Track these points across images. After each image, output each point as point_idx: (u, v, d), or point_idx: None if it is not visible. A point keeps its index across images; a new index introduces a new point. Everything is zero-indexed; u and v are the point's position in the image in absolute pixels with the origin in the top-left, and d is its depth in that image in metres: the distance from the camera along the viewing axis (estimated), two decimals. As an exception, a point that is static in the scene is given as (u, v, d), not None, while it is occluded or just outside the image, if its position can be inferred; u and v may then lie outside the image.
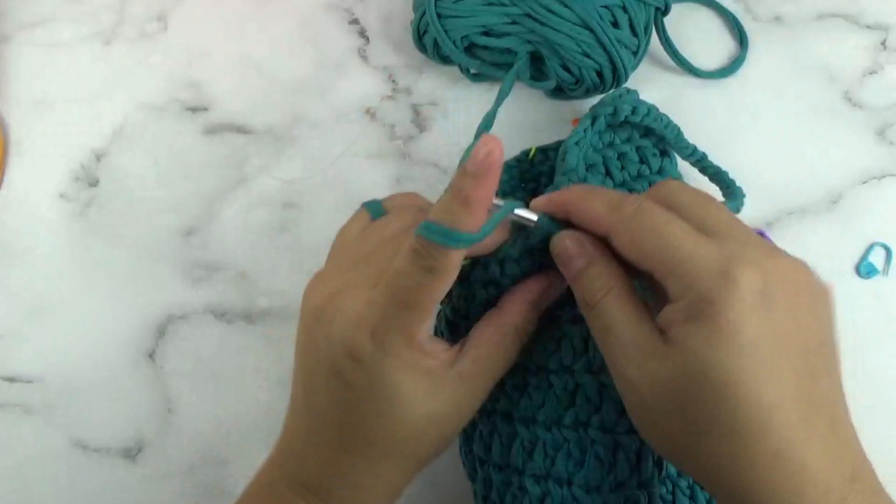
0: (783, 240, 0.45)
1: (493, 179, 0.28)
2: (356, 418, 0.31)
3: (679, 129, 0.41)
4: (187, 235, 0.48)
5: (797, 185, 0.47)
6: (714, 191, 0.43)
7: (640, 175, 0.39)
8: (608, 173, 0.39)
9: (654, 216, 0.28)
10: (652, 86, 0.49)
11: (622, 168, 0.39)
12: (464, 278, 0.34)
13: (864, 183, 0.47)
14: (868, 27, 0.50)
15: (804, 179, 0.47)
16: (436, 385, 0.31)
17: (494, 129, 0.48)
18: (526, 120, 0.49)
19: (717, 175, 0.42)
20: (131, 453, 0.44)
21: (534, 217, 0.32)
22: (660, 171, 0.40)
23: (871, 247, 0.45)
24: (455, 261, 0.29)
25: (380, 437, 0.31)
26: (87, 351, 0.46)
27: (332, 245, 0.36)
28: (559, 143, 0.43)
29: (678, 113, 0.48)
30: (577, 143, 0.37)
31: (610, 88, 0.47)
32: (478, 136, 0.45)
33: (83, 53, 0.53)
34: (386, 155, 0.49)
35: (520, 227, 0.33)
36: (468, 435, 0.37)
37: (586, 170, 0.39)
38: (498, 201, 0.31)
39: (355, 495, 0.32)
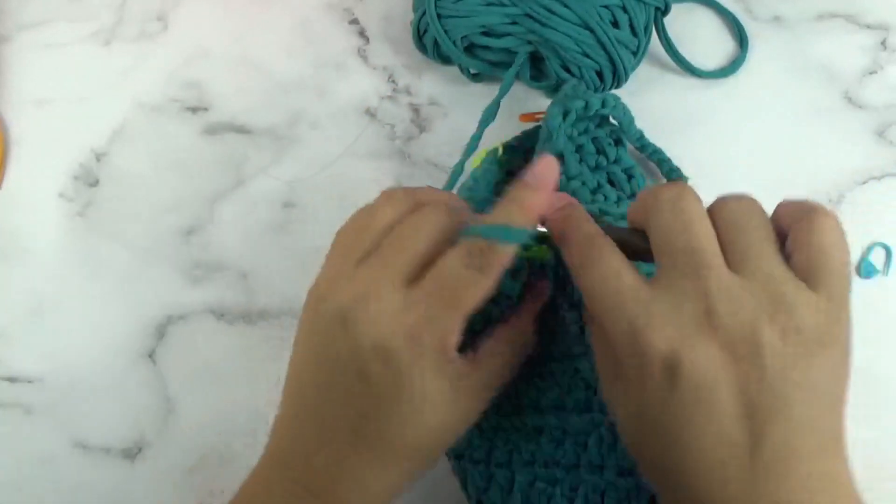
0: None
1: (548, 193, 0.31)
2: (377, 421, 0.30)
3: (632, 114, 0.42)
4: (187, 235, 0.48)
5: (797, 185, 0.47)
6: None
7: (597, 166, 0.40)
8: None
9: (605, 264, 0.28)
10: (652, 86, 0.49)
11: (581, 160, 0.39)
12: None
13: (864, 183, 0.47)
14: (868, 27, 0.50)
15: (804, 179, 0.47)
16: (455, 393, 0.31)
17: (492, 133, 0.48)
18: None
19: (655, 154, 0.43)
20: (131, 453, 0.44)
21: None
22: (616, 161, 0.40)
23: (871, 247, 0.45)
24: (504, 261, 0.30)
25: (398, 441, 0.31)
26: (87, 351, 0.46)
27: (335, 239, 0.34)
28: (519, 140, 0.43)
29: (678, 113, 0.49)
30: (565, 145, 0.38)
31: (610, 88, 0.47)
32: (480, 128, 0.44)
33: (83, 53, 0.53)
34: (386, 155, 0.49)
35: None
36: (472, 448, 0.36)
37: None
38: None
39: (359, 496, 0.31)
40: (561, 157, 0.37)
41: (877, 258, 0.45)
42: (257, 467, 0.33)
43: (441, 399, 0.30)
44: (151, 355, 0.46)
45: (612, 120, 0.41)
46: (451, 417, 0.31)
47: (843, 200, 0.46)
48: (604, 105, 0.39)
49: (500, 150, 0.42)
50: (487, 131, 0.48)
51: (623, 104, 0.41)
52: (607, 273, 0.28)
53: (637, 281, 0.27)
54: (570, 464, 0.33)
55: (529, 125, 0.43)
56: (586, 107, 0.38)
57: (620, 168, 0.40)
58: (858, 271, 0.45)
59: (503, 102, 0.46)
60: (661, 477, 0.28)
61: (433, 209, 0.32)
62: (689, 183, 0.43)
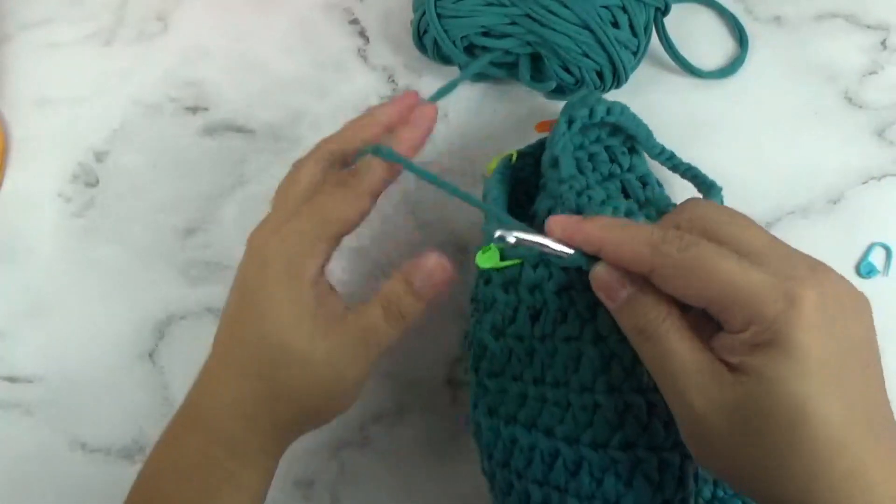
0: (783, 240, 0.45)
1: (423, 129, 0.36)
2: (234, 328, 0.34)
3: (649, 129, 0.41)
4: (187, 235, 0.48)
5: (797, 185, 0.47)
6: (690, 189, 0.43)
7: (611, 175, 0.39)
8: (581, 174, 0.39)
9: (703, 252, 0.27)
10: (652, 86, 0.49)
11: (594, 169, 0.39)
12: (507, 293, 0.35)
13: (864, 183, 0.47)
14: (868, 27, 0.50)
15: (804, 179, 0.47)
16: (311, 319, 0.32)
17: (492, 134, 0.48)
18: (526, 120, 0.49)
19: (689, 171, 0.42)
20: (131, 453, 0.44)
21: (568, 251, 0.31)
22: (630, 169, 0.40)
23: (871, 247, 0.45)
24: (370, 181, 0.34)
25: (246, 350, 0.33)
26: (87, 351, 0.46)
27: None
28: (533, 148, 0.42)
29: (678, 113, 0.49)
30: (563, 149, 0.37)
31: (610, 89, 0.47)
32: (440, 93, 0.44)
33: (83, 53, 0.53)
34: (386, 155, 0.49)
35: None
36: (491, 446, 0.36)
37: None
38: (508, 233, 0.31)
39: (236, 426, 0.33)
40: (556, 162, 0.37)
41: (877, 258, 0.45)
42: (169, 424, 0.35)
43: (290, 311, 0.32)
44: (151, 355, 0.46)
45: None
46: (302, 342, 0.32)
47: (843, 200, 0.46)
48: (609, 113, 0.38)
49: (514, 157, 0.42)
50: (508, 139, 0.48)
51: (635, 116, 0.40)
52: (708, 259, 0.27)
53: (734, 255, 0.27)
54: (583, 495, 0.33)
55: (544, 135, 0.43)
56: (591, 115, 0.38)
57: (635, 176, 0.40)
58: (858, 271, 0.45)
59: (513, 110, 0.46)
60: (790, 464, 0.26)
61: (307, 164, 0.37)
62: (722, 194, 0.43)
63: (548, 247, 0.31)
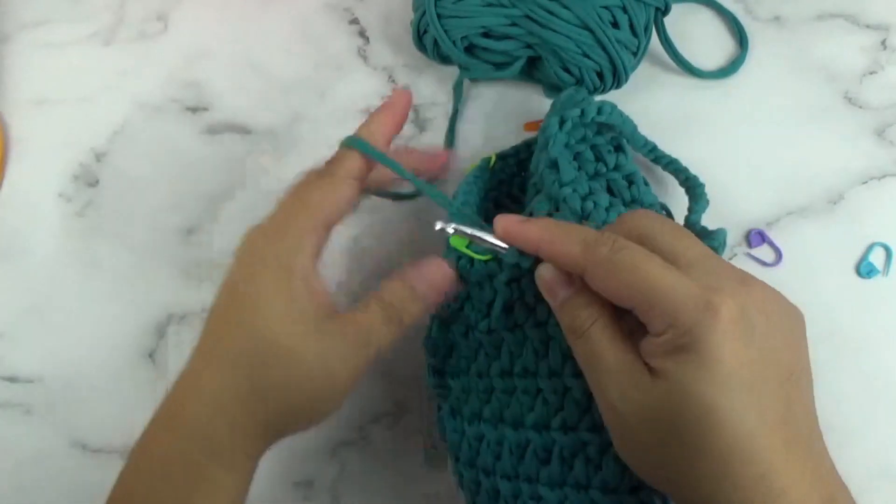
0: (783, 240, 0.45)
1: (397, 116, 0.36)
2: (219, 325, 0.32)
3: (634, 123, 0.41)
4: (188, 235, 0.48)
5: (797, 185, 0.47)
6: (680, 191, 0.43)
7: (597, 173, 0.39)
8: None
9: (631, 255, 0.28)
10: (652, 86, 0.49)
11: (579, 168, 0.39)
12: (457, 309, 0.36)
13: (864, 183, 0.47)
14: (868, 27, 0.50)
15: (804, 179, 0.47)
16: (296, 309, 0.31)
17: (492, 134, 0.48)
18: (525, 120, 0.49)
19: (671, 164, 0.42)
20: (131, 453, 0.44)
21: (504, 246, 0.32)
22: (616, 168, 0.40)
23: (871, 247, 0.45)
24: (349, 164, 0.34)
25: (231, 347, 0.32)
26: (87, 351, 0.46)
27: None
28: (516, 150, 0.43)
29: (678, 113, 0.49)
30: (561, 152, 0.37)
31: (610, 89, 0.47)
32: (451, 130, 0.45)
33: (83, 53, 0.53)
34: (386, 155, 0.49)
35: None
36: (456, 446, 0.37)
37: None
38: (454, 226, 0.32)
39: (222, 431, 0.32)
40: (555, 164, 0.37)
41: (877, 258, 0.45)
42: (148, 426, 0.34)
43: (280, 307, 0.31)
44: (151, 355, 0.46)
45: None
46: (293, 338, 0.31)
47: (842, 200, 0.46)
48: (600, 112, 0.39)
49: (493, 159, 0.42)
50: (493, 137, 0.48)
51: (622, 113, 0.40)
52: (636, 261, 0.28)
53: (662, 260, 0.28)
54: (555, 482, 0.33)
55: (532, 134, 0.43)
56: (582, 115, 0.38)
57: (621, 175, 0.40)
58: (858, 271, 0.45)
59: (504, 107, 0.46)
60: (695, 466, 0.27)
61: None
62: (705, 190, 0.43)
63: (485, 241, 0.32)
